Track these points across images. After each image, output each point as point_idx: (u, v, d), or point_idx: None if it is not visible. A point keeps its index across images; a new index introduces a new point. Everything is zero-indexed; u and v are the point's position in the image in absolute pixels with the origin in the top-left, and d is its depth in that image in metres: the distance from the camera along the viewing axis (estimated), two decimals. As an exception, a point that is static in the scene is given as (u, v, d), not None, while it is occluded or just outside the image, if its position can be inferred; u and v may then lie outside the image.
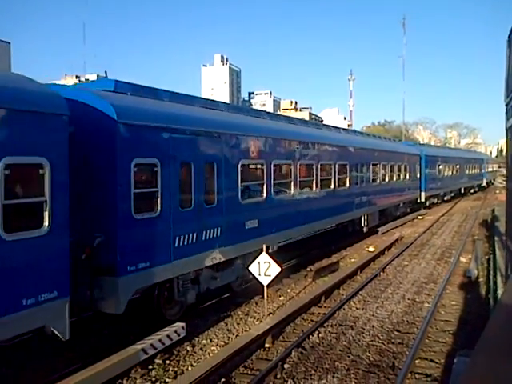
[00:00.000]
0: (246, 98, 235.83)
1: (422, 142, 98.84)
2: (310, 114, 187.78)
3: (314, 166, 20.33)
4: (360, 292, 17.18)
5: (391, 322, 14.04)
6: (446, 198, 51.47)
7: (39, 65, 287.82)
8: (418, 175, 40.59)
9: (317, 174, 20.46)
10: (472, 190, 67.81)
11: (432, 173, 44.71)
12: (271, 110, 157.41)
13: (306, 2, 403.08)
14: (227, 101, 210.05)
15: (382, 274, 19.96)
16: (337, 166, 22.84)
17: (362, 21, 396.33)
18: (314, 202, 20.14)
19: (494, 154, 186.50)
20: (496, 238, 23.03)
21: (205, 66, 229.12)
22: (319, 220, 21.04)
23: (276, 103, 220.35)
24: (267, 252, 14.35)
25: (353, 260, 22.74)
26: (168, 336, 11.83)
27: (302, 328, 13.63)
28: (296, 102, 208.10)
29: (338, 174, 23.01)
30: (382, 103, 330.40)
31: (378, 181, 29.55)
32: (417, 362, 11.29)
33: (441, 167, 48.47)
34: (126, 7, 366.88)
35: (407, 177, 36.52)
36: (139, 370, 10.60)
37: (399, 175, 34.51)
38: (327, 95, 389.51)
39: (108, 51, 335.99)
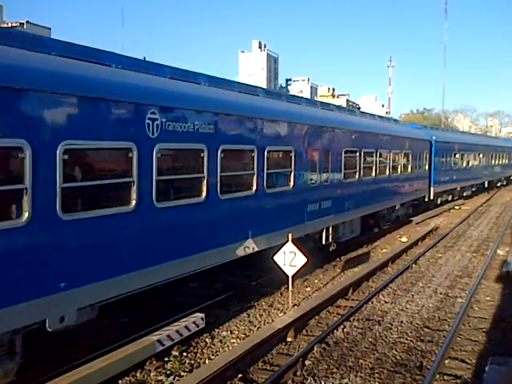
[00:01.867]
0: (284, 85, 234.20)
1: (461, 130, 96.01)
2: (347, 100, 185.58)
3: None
4: (390, 285, 16.52)
5: (421, 318, 13.39)
6: (464, 194, 43.44)
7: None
8: (427, 166, 32.38)
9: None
10: (499, 184, 58.87)
11: (445, 163, 36.81)
12: (308, 97, 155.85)
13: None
14: (264, 87, 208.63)
15: (414, 266, 19.24)
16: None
17: (402, 6, 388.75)
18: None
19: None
20: (536, 231, 22.01)
21: (242, 52, 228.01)
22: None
23: (313, 90, 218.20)
24: (293, 241, 13.83)
25: (384, 251, 22.03)
26: (186, 327, 11.43)
27: (326, 322, 13.09)
28: (333, 89, 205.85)
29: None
30: (421, 91, 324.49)
31: (358, 175, 20.80)
32: (446, 362, 10.64)
33: (457, 156, 40.55)
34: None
35: (410, 169, 28.17)
36: (154, 362, 10.23)
37: (397, 166, 25.97)
38: (365, 82, 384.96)
39: (147, 36, 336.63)
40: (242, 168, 13.66)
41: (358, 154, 20.56)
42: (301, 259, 13.65)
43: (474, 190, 46.73)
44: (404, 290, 15.97)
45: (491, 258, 20.26)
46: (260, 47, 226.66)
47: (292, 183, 15.49)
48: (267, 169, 13.98)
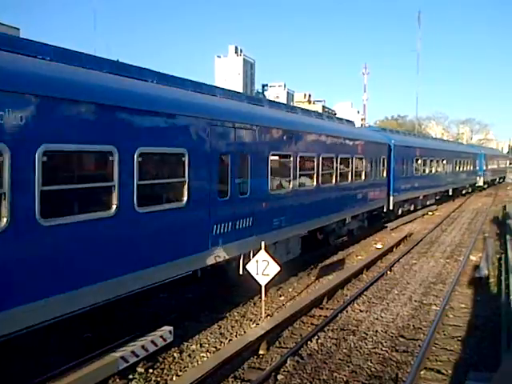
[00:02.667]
0: (260, 90, 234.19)
1: (433, 137, 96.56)
2: (323, 107, 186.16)
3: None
4: (365, 292, 16.28)
5: (396, 327, 13.14)
6: (428, 203, 40.59)
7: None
8: (386, 173, 28.98)
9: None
10: (464, 192, 55.80)
11: (406, 169, 33.39)
12: (285, 102, 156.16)
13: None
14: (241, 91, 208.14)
15: (388, 272, 19.06)
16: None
17: (377, 14, 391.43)
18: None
19: (506, 150, 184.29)
20: (508, 237, 22.03)
21: (219, 56, 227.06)
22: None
23: (290, 96, 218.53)
24: (266, 250, 13.50)
25: (359, 257, 21.82)
26: (152, 341, 10.98)
27: (300, 332, 12.75)
28: (310, 95, 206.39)
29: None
30: (395, 98, 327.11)
31: (294, 185, 17.07)
32: (422, 373, 10.39)
33: (419, 162, 37.30)
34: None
35: (364, 176, 24.43)
36: (117, 380, 9.75)
37: (347, 174, 22.33)
38: (341, 89, 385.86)
39: (120, 40, 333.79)
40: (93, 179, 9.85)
41: (292, 158, 16.85)
42: (274, 268, 13.31)
43: (437, 198, 43.71)
44: (379, 298, 15.73)
45: (464, 264, 20.21)
46: (236, 52, 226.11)
47: (186, 198, 11.39)
48: (140, 179, 10.09)
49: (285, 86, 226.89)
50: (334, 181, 20.69)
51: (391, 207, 30.14)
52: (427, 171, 39.39)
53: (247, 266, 13.51)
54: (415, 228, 30.69)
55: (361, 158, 23.94)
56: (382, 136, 30.35)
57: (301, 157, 17.45)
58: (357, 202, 23.79)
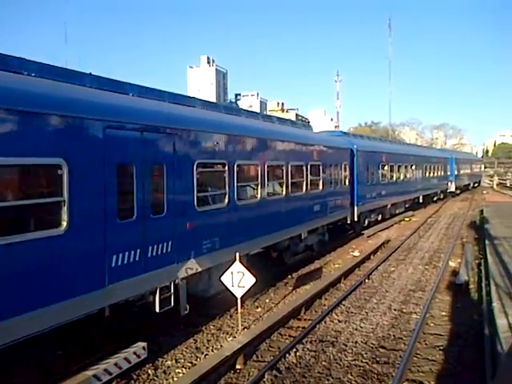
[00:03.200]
0: (233, 100, 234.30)
1: (407, 142, 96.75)
2: (296, 115, 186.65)
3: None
4: (343, 302, 15.95)
5: (376, 337, 12.81)
6: (397, 211, 38.40)
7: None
8: (348, 181, 26.46)
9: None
10: (435, 198, 53.12)
11: (372, 176, 31.07)
12: (258, 111, 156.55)
13: (291, 2, 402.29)
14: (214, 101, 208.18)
15: (367, 281, 18.75)
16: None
17: (349, 22, 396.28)
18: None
19: (480, 155, 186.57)
20: (487, 242, 21.91)
21: (191, 67, 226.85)
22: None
23: (263, 105, 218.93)
24: (241, 261, 13.11)
25: (337, 266, 21.52)
26: (126, 359, 10.56)
27: (278, 345, 12.36)
28: (283, 104, 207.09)
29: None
30: (369, 104, 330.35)
31: (230, 199, 14.43)
32: (404, 385, 10.07)
33: (386, 168, 34.67)
34: (112, 6, 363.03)
35: (321, 185, 21.93)
36: (88, 401, 9.27)
37: (301, 183, 19.86)
38: (314, 96, 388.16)
39: (92, 51, 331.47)
40: None
41: (227, 168, 14.23)
42: (249, 279, 12.95)
43: (407, 206, 41.43)
44: (358, 308, 15.41)
45: (443, 270, 20.00)
46: (208, 62, 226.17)
47: (65, 223, 8.87)
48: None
49: (258, 95, 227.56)
50: (284, 192, 18.15)
51: (356, 218, 27.75)
52: (395, 178, 36.70)
53: (222, 278, 13.10)
54: (392, 234, 30.51)
55: (317, 165, 21.49)
56: (344, 141, 27.82)
57: (239, 165, 14.92)
58: (314, 214, 21.25)
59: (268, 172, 16.81)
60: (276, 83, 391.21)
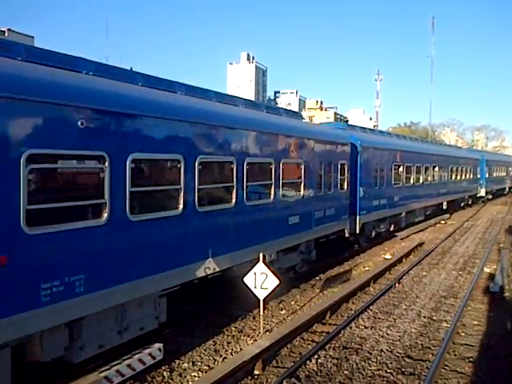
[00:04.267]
0: (272, 97, 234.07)
1: (447, 144, 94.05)
2: (335, 113, 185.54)
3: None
4: (371, 307, 15.39)
5: (403, 346, 12.24)
6: (416, 220, 33.53)
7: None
8: (347, 184, 21.20)
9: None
10: (462, 204, 47.47)
11: (381, 179, 25.71)
12: (297, 109, 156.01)
13: (334, 1, 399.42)
14: (252, 99, 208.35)
15: (397, 285, 18.12)
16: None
17: (391, 20, 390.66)
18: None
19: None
20: (525, 248, 21.01)
21: (231, 63, 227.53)
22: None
23: (301, 102, 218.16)
24: (264, 262, 12.71)
25: (367, 268, 20.92)
26: (140, 360, 10.24)
27: (299, 350, 11.91)
28: (322, 102, 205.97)
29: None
30: (408, 104, 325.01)
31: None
32: (429, 399, 9.53)
33: (401, 169, 28.94)
34: (153, 3, 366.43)
35: (304, 189, 17.08)
36: (99, 403, 8.99)
37: (271, 188, 15.07)
38: (354, 95, 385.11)
39: (134, 48, 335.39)
40: None
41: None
42: (273, 281, 12.55)
43: (428, 213, 36.32)
44: (385, 313, 14.84)
45: (478, 277, 19.23)
46: (248, 59, 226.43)
47: None
48: None
49: (297, 92, 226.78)
50: (233, 200, 12.95)
51: (358, 230, 22.84)
52: (412, 180, 30.89)
53: (245, 279, 12.73)
54: (426, 237, 29.70)
55: (296, 164, 16.69)
56: (344, 134, 22.18)
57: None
58: (290, 228, 16.18)
59: (201, 171, 11.64)
60: (315, 81, 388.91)
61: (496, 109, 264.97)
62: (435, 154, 37.15)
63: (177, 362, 11.22)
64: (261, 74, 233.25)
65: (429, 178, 34.81)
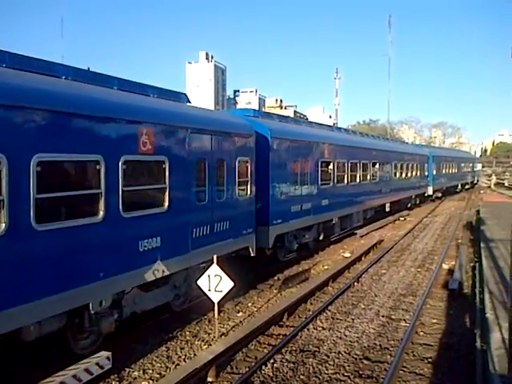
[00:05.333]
0: (232, 96, 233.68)
1: (406, 141, 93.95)
2: (294, 112, 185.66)
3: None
4: (329, 307, 15.08)
5: (361, 347, 11.94)
6: (355, 224, 28.84)
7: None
8: (250, 187, 16.54)
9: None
10: (409, 204, 43.62)
11: (301, 179, 20.64)
12: (256, 108, 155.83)
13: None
14: (212, 98, 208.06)
15: (356, 284, 17.88)
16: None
17: (349, 19, 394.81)
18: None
19: (479, 154, 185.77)
20: (482, 245, 21.04)
21: (189, 63, 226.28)
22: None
23: (261, 101, 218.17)
24: (219, 264, 12.26)
25: (326, 267, 20.64)
26: (87, 370, 9.68)
27: (255, 355, 11.50)
28: (281, 100, 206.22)
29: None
30: (368, 102, 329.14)
31: None
32: (387, 404, 9.22)
33: (330, 167, 23.82)
34: (109, 1, 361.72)
35: (189, 200, 13.12)
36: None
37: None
38: (313, 94, 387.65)
39: (89, 47, 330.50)
40: None
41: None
42: (227, 284, 12.10)
43: (367, 217, 31.75)
44: (344, 314, 14.54)
45: (436, 274, 19.14)
46: (207, 58, 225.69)
47: None
48: None
49: (256, 91, 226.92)
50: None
51: (271, 244, 18.14)
52: (346, 180, 26.09)
53: (198, 282, 12.27)
54: (386, 234, 29.67)
55: (156, 162, 11.88)
56: (246, 123, 17.10)
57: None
58: (141, 257, 11.28)
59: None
60: (275, 80, 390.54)
61: (453, 106, 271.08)
62: (375, 149, 32.47)
63: (127, 370, 10.72)
64: (220, 73, 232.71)
65: (368, 177, 29.95)
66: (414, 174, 43.18)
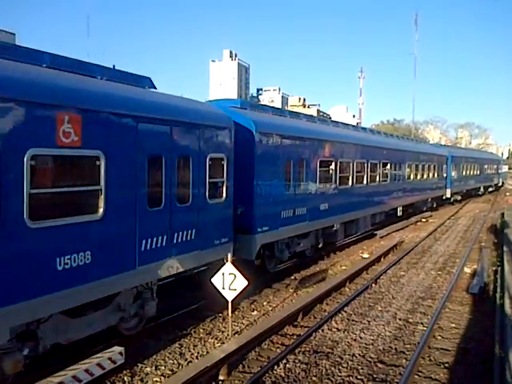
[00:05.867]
0: (255, 94, 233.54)
1: (431, 142, 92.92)
2: (318, 111, 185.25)
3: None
4: (345, 308, 14.87)
5: (376, 350, 11.73)
6: (359, 231, 26.19)
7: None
8: (225, 192, 14.09)
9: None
10: (425, 208, 40.86)
11: (295, 181, 18.19)
12: (279, 107, 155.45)
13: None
14: (235, 97, 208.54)
15: (373, 285, 17.63)
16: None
17: (374, 18, 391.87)
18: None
19: (506, 155, 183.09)
20: (505, 249, 20.63)
21: (213, 61, 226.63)
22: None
23: (284, 100, 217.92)
24: (233, 262, 12.15)
25: (343, 268, 20.42)
26: (99, 364, 9.65)
27: (268, 354, 11.36)
28: (304, 99, 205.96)
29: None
30: (392, 102, 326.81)
31: None
32: (400, 409, 9.03)
33: (331, 167, 21.44)
34: (137, 1, 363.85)
35: (135, 205, 10.70)
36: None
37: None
38: (336, 93, 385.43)
39: (114, 45, 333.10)
40: None
41: None
42: (242, 282, 11.99)
43: (376, 222, 28.54)
44: (360, 315, 14.32)
45: (457, 277, 18.78)
46: (231, 56, 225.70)
47: None
48: None
49: (279, 90, 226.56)
50: None
51: (254, 255, 15.91)
52: (351, 182, 23.35)
53: (212, 280, 12.17)
54: (406, 236, 29.28)
55: (89, 158, 9.73)
56: (222, 113, 14.49)
57: None
58: (60, 277, 9.02)
59: None
60: (298, 79, 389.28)
61: (480, 106, 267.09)
62: (386, 148, 29.31)
63: (139, 366, 10.68)
64: (243, 72, 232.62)
65: (377, 178, 27.15)
66: (430, 175, 40.49)
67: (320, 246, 21.39)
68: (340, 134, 23.63)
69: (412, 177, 35.01)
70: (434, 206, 43.55)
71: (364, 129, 33.13)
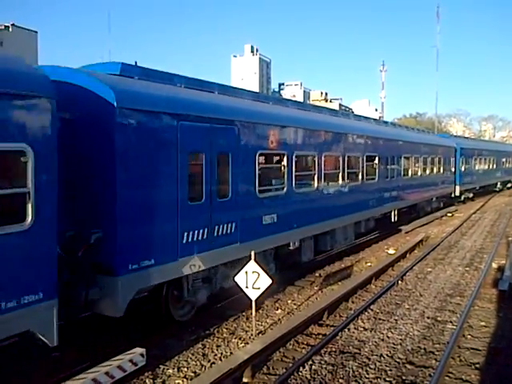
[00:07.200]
0: (276, 89, 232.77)
1: (455, 134, 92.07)
2: (340, 105, 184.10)
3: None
4: (371, 306, 14.53)
5: (404, 351, 11.39)
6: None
7: (66, 53, 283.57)
8: (26, 218, 7.77)
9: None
10: (429, 208, 35.30)
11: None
12: (301, 101, 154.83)
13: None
14: (257, 91, 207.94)
15: (400, 282, 17.25)
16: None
17: (395, 10, 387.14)
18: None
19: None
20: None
21: (235, 56, 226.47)
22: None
23: (306, 94, 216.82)
24: (256, 260, 11.90)
25: (369, 264, 20.06)
26: (120, 367, 9.47)
27: (293, 355, 11.09)
28: (326, 93, 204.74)
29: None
30: (414, 95, 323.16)
31: None
32: (431, 413, 8.70)
33: (284, 163, 15.48)
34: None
35: None
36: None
37: None
38: (358, 86, 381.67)
39: (136, 41, 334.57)
40: None
41: None
42: (265, 281, 11.76)
43: (361, 231, 22.96)
44: (387, 314, 13.98)
45: (486, 273, 18.31)
46: (252, 51, 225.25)
47: None
48: None
49: (301, 84, 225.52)
50: None
51: (122, 311, 10.13)
52: (317, 183, 17.45)
53: (235, 278, 11.95)
54: (432, 231, 28.76)
55: None
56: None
57: None
58: None
59: None
60: (320, 73, 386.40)
61: (504, 98, 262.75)
62: (372, 137, 23.13)
63: (161, 367, 10.47)
64: (265, 66, 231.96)
65: (360, 176, 21.43)
66: (434, 170, 34.35)
67: (272, 272, 15.01)
68: (297, 117, 17.20)
69: (410, 173, 29.03)
70: (441, 205, 38.02)
71: (347, 115, 27.50)
